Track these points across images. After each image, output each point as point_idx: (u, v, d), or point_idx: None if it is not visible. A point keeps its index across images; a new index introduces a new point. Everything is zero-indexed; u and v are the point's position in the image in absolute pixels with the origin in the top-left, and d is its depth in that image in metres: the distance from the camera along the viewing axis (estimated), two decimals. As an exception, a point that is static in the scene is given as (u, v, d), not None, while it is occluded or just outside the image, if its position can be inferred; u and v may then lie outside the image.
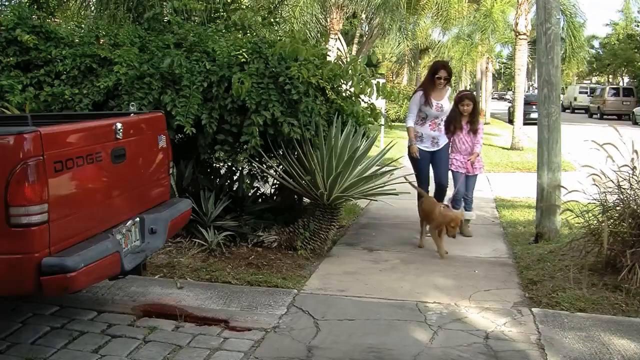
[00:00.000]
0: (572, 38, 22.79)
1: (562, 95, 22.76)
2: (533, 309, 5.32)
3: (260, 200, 7.78)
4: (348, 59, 7.45)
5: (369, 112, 7.41)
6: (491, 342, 4.66)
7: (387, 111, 24.38)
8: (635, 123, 34.90)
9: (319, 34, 20.42)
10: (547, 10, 7.46)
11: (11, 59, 6.64)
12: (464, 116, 8.02)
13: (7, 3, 8.74)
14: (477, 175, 8.24)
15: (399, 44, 30.76)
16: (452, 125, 8.02)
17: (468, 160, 8.00)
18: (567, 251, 6.56)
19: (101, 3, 8.81)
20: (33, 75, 6.65)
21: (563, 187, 7.03)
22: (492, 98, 43.58)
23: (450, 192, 8.11)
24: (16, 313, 4.99)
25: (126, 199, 4.64)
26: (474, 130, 8.01)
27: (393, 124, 12.36)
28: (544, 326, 4.95)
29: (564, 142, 7.66)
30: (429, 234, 7.53)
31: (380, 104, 11.52)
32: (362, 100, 7.45)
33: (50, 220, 3.67)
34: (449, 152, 8.09)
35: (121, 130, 4.46)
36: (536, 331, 4.86)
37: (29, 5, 7.64)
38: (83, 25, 7.46)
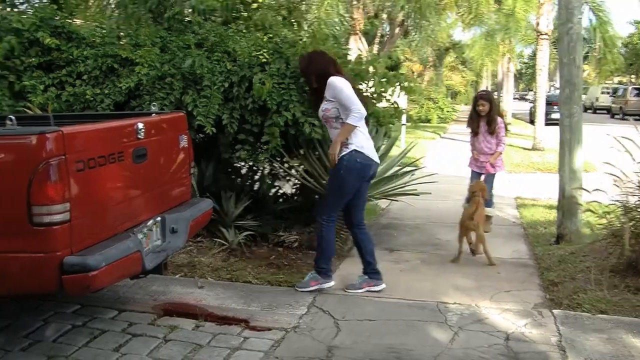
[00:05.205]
0: (605, 36, 22.43)
1: (583, 96, 22.47)
2: (554, 311, 5.28)
3: (281, 200, 7.79)
4: (369, 59, 7.38)
5: (392, 111, 7.34)
6: (512, 343, 4.63)
7: (409, 111, 24.28)
8: (658, 123, 34.50)
9: (343, 33, 20.36)
10: (569, 10, 7.41)
11: (33, 59, 6.71)
12: (482, 117, 8.08)
13: (28, 4, 8.77)
14: (494, 174, 8.26)
15: (422, 46, 30.61)
16: (470, 125, 8.24)
17: (487, 162, 8.10)
18: (588, 252, 6.52)
19: (121, 3, 8.84)
20: (55, 76, 6.72)
21: (585, 189, 6.96)
22: (514, 98, 43.32)
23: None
24: (38, 311, 5.05)
25: (147, 199, 4.66)
26: (490, 132, 8.09)
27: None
28: (565, 328, 4.91)
29: (585, 143, 7.59)
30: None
31: (402, 103, 11.47)
32: (385, 98, 7.38)
33: (72, 219, 3.69)
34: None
35: (143, 130, 4.48)
36: (557, 333, 4.83)
37: (49, 4, 7.68)
38: (104, 26, 7.50)
